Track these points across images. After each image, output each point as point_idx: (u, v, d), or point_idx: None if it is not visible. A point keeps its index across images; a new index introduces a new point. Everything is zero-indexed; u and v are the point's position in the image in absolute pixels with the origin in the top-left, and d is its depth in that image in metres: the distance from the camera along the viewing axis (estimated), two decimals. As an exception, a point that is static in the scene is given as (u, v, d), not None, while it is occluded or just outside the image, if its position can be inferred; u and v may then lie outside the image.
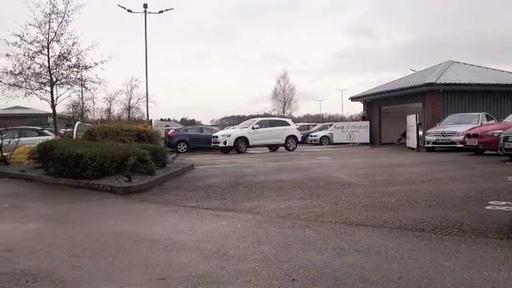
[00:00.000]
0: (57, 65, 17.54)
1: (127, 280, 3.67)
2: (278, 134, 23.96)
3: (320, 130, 35.80)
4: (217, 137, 23.64)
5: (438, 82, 23.13)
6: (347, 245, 4.58)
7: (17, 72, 16.98)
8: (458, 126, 18.63)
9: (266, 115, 64.14)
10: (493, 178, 9.39)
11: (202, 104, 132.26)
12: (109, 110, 61.33)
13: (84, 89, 20.40)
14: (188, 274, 3.73)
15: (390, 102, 27.94)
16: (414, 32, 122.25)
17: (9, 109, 36.62)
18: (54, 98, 17.76)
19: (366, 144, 28.69)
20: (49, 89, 17.59)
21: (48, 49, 17.22)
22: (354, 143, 29.57)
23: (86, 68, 18.13)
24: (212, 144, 23.81)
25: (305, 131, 37.37)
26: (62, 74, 17.72)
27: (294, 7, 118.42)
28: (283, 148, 24.26)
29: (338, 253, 4.31)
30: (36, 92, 17.64)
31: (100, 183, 8.92)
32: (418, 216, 5.77)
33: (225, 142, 22.73)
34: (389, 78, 75.63)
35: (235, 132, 23.63)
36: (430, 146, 19.15)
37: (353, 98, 32.50)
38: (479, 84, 23.49)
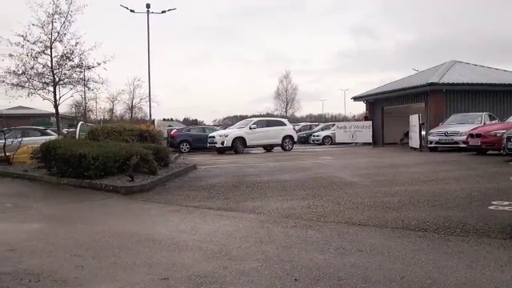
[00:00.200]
0: (60, 65, 17.52)
1: (130, 280, 3.67)
2: (274, 134, 23.71)
3: (322, 129, 35.73)
4: (214, 137, 23.15)
5: (441, 81, 23.07)
6: (350, 245, 4.58)
7: (20, 72, 16.97)
8: (461, 125, 18.58)
9: (268, 115, 64.17)
10: (496, 178, 9.37)
11: (204, 104, 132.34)
12: (111, 110, 61.56)
13: (87, 89, 20.34)
14: (190, 274, 3.74)
15: (393, 102, 27.90)
16: (416, 32, 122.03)
17: (12, 109, 36.66)
18: (57, 97, 17.73)
19: (369, 144, 28.66)
20: (52, 89, 17.57)
21: (51, 49, 17.20)
22: (356, 143, 29.53)
23: (88, 68, 18.11)
24: (208, 144, 23.36)
25: (307, 131, 37.41)
26: (64, 74, 17.70)
27: (296, 7, 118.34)
28: (279, 148, 24.01)
29: (340, 253, 4.31)
30: (39, 92, 17.63)
31: (103, 183, 8.94)
32: (420, 216, 5.76)
33: (222, 143, 22.35)
34: (391, 78, 75.59)
35: (233, 132, 23.24)
36: (432, 145, 19.11)
37: (355, 98, 32.47)
38: (482, 84, 23.42)
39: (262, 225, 5.64)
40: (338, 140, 30.83)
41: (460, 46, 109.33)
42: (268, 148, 24.14)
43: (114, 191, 8.59)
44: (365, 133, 29.46)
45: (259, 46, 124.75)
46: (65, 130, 20.89)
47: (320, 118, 77.19)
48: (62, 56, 17.49)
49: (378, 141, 28.77)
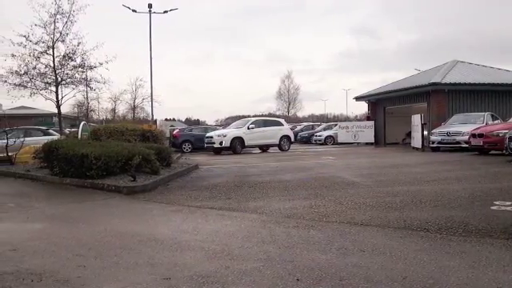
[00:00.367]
0: (62, 65, 17.57)
1: (132, 279, 3.68)
2: (272, 134, 23.47)
3: (324, 129, 35.68)
4: (211, 137, 22.84)
5: (443, 81, 23.03)
6: (352, 245, 4.58)
7: (22, 72, 17.03)
8: (463, 125, 18.57)
9: (270, 115, 64.17)
10: (498, 178, 9.36)
11: (206, 104, 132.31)
12: (114, 110, 61.64)
13: (89, 89, 20.40)
14: (192, 274, 3.74)
15: (395, 102, 27.86)
16: (418, 32, 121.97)
17: (14, 109, 36.74)
18: (59, 97, 17.79)
19: (371, 144, 28.63)
20: (54, 89, 17.62)
21: (53, 49, 17.26)
22: (358, 143, 29.51)
23: (90, 68, 18.16)
24: (205, 144, 23.17)
25: (309, 131, 37.36)
26: (67, 74, 17.76)
27: (298, 7, 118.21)
28: (275, 149, 23.77)
29: (342, 253, 4.31)
30: (41, 92, 17.69)
31: (105, 183, 8.95)
32: (422, 216, 5.76)
33: (221, 143, 22.08)
34: (393, 78, 75.65)
35: (231, 132, 22.94)
36: (434, 145, 19.09)
37: (357, 98, 32.44)
38: (484, 84, 23.37)
39: (264, 225, 5.64)
40: (340, 140, 30.80)
41: (461, 45, 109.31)
42: (264, 148, 23.88)
43: (116, 191, 8.61)
44: (367, 133, 29.44)
45: (261, 46, 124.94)
46: (67, 130, 20.91)
47: (322, 118, 77.22)
48: (64, 56, 17.54)
49: (380, 141, 28.75)
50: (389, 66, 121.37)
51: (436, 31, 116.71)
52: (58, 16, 17.15)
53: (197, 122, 77.71)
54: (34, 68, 17.19)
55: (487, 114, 19.59)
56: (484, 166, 11.66)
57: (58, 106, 18.08)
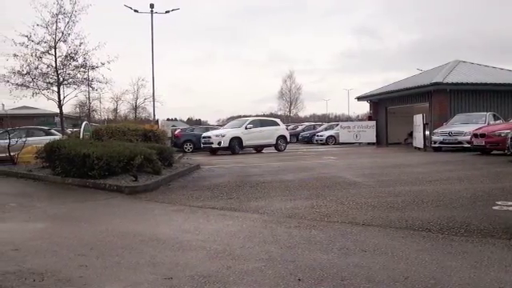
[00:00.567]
0: (64, 65, 17.62)
1: (133, 279, 3.68)
2: (269, 134, 23.20)
3: (326, 129, 35.64)
4: (209, 137, 22.40)
5: (445, 81, 23.01)
6: (353, 245, 4.57)
7: (24, 72, 17.08)
8: (465, 125, 18.54)
9: (271, 115, 64.12)
10: (500, 178, 9.34)
11: (208, 104, 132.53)
12: (115, 110, 61.69)
13: (91, 89, 20.47)
14: (194, 274, 3.74)
15: (397, 102, 27.84)
16: (419, 32, 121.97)
17: (16, 109, 36.82)
18: (61, 97, 17.86)
19: (373, 144, 28.60)
20: (56, 89, 17.67)
21: (55, 49, 17.31)
22: (360, 143, 29.48)
23: (92, 68, 18.21)
24: (202, 145, 22.76)
25: (311, 131, 37.33)
26: (68, 74, 17.80)
27: (299, 8, 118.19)
28: (270, 149, 23.51)
29: (344, 253, 4.31)
30: (43, 92, 17.74)
31: (107, 183, 8.96)
32: (424, 216, 5.75)
33: (219, 143, 21.70)
34: (394, 78, 75.32)
35: (230, 132, 22.48)
36: (436, 145, 19.07)
37: (359, 98, 32.42)
38: (486, 83, 23.35)
39: (266, 225, 5.64)
40: (341, 140, 30.77)
41: (462, 45, 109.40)
42: (258, 149, 23.52)
43: (117, 191, 8.61)
44: (368, 133, 29.40)
45: (262, 46, 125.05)
46: (69, 130, 20.92)
47: (324, 118, 77.18)
48: (66, 56, 17.59)
49: (381, 141, 28.72)
50: (390, 66, 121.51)
51: (437, 31, 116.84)
52: (59, 16, 17.22)
53: (198, 122, 77.84)
54: (36, 68, 17.25)
55: (489, 114, 19.56)
56: (486, 166, 11.64)
57: (60, 106, 18.13)
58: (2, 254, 4.45)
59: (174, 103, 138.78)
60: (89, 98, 42.32)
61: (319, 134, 34.27)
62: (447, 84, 22.92)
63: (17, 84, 17.16)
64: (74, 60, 17.73)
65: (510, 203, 6.35)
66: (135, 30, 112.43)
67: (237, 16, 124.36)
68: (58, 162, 9.95)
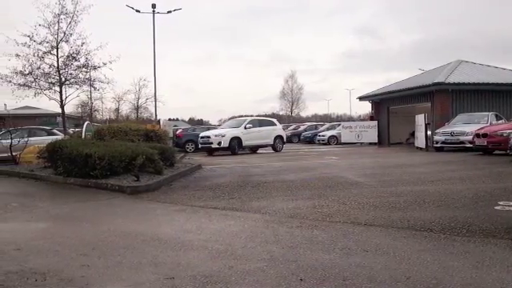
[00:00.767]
0: (66, 65, 17.62)
1: (135, 279, 3.68)
2: (267, 135, 22.84)
3: (328, 129, 35.61)
4: (209, 137, 21.84)
5: (447, 81, 22.97)
6: (355, 245, 4.57)
7: (26, 72, 17.07)
8: (467, 125, 18.51)
9: (273, 115, 64.08)
10: (502, 178, 9.33)
11: (209, 104, 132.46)
12: (117, 110, 61.77)
13: (93, 89, 20.45)
14: (196, 274, 3.74)
15: (399, 102, 27.81)
16: (421, 32, 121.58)
17: (18, 109, 36.84)
18: (63, 97, 17.83)
19: (375, 144, 28.57)
20: (58, 89, 17.67)
21: (57, 49, 17.30)
22: (362, 143, 29.45)
23: (94, 68, 18.19)
24: (201, 145, 22.25)
25: (313, 131, 37.31)
26: (70, 74, 17.79)
27: (301, 8, 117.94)
28: (267, 149, 23.23)
29: (345, 253, 4.30)
30: (45, 92, 17.73)
31: (108, 183, 8.97)
32: (426, 216, 5.75)
33: (219, 143, 21.17)
34: (396, 78, 75.59)
35: (230, 132, 21.92)
36: (438, 145, 19.04)
37: (361, 98, 32.40)
38: (488, 83, 23.30)
39: (268, 225, 5.64)
40: (343, 140, 30.75)
41: (464, 45, 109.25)
42: (254, 149, 23.04)
43: (119, 191, 8.62)
44: (370, 133, 29.37)
45: (264, 46, 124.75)
46: (71, 130, 20.94)
47: (325, 118, 77.08)
48: (68, 56, 17.58)
49: (383, 141, 28.69)
50: (392, 66, 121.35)
51: (439, 31, 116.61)
52: (61, 16, 17.21)
53: (200, 122, 77.85)
54: (38, 68, 17.24)
55: (491, 114, 19.53)
56: (488, 166, 11.63)
57: (62, 106, 18.14)
58: (4, 254, 4.46)
59: (175, 103, 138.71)
60: (91, 97, 42.35)
61: (321, 134, 34.24)
62: (449, 84, 22.87)
63: (19, 84, 17.16)
64: (75, 60, 17.73)
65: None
66: (137, 30, 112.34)
67: (239, 16, 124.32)
68: (60, 162, 9.97)
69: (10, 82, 17.08)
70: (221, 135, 21.64)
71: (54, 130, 19.09)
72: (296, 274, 3.70)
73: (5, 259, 4.27)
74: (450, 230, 5.07)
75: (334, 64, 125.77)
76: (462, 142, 18.00)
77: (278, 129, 24.26)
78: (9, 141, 13.54)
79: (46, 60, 17.36)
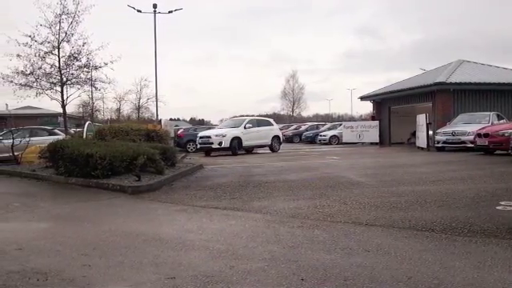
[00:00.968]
0: (67, 65, 17.60)
1: (137, 279, 3.69)
2: (265, 135, 22.59)
3: (329, 129, 35.56)
4: (209, 137, 21.38)
5: (449, 81, 22.93)
6: (356, 245, 4.57)
7: (28, 72, 17.06)
8: (469, 125, 18.49)
9: (274, 115, 64.09)
10: (503, 178, 9.32)
11: (210, 104, 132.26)
12: (118, 110, 61.87)
13: (94, 89, 20.44)
14: (197, 274, 3.75)
15: (400, 102, 27.78)
16: (422, 32, 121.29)
17: (20, 109, 36.86)
18: (65, 97, 17.80)
19: (376, 144, 28.55)
20: (59, 89, 17.64)
21: (58, 49, 17.28)
22: (363, 143, 29.42)
23: (95, 68, 18.17)
24: (200, 145, 21.79)
25: (314, 131, 37.27)
26: (72, 74, 17.77)
27: (301, 8, 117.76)
28: (262, 150, 23.05)
29: (347, 253, 4.30)
30: (47, 92, 17.70)
31: (110, 182, 8.97)
32: (427, 216, 5.74)
33: (220, 143, 20.73)
34: (397, 78, 75.49)
35: (230, 132, 21.46)
36: (440, 145, 19.02)
37: (362, 98, 32.38)
38: (490, 83, 23.25)
39: (269, 224, 5.64)
40: (344, 140, 30.72)
41: (465, 45, 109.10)
42: (249, 150, 22.52)
43: (121, 191, 8.63)
44: (372, 132, 29.35)
45: (265, 46, 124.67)
46: (72, 130, 20.95)
47: (327, 118, 77.00)
48: (69, 56, 17.57)
49: (384, 141, 28.67)
50: (392, 65, 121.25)
51: (440, 31, 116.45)
52: (63, 16, 17.18)
53: (201, 122, 77.87)
54: (40, 68, 17.23)
55: (493, 114, 19.49)
56: (489, 166, 11.61)
57: (63, 106, 18.12)
58: (5, 254, 4.47)
59: (176, 103, 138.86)
60: (92, 97, 42.48)
61: (322, 133, 34.20)
62: (450, 84, 22.84)
63: (20, 84, 17.14)
64: (77, 60, 17.71)
65: (513, 203, 6.33)
66: (138, 30, 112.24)
67: (239, 16, 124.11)
68: (62, 162, 9.98)
69: (12, 82, 17.08)
70: (222, 135, 21.24)
71: (56, 130, 19.10)
72: (297, 273, 3.70)
73: (6, 259, 4.28)
74: (452, 230, 5.06)
75: (334, 64, 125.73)
76: (464, 142, 17.98)
77: (275, 129, 24.06)
78: (10, 141, 13.55)
79: (48, 60, 17.36)
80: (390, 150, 22.23)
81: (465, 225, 5.23)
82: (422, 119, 21.62)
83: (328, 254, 4.26)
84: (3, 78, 16.98)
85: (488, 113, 19.88)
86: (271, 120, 25.74)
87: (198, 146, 22.20)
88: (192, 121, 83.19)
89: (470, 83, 23.07)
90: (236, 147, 21.12)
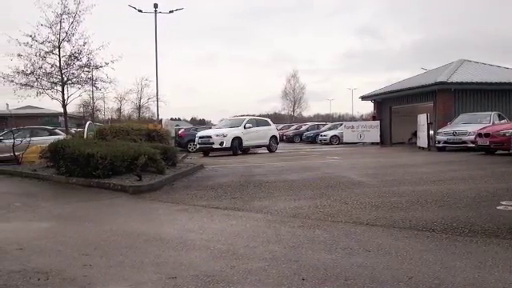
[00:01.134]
0: (68, 64, 17.61)
1: (138, 279, 3.69)
2: (264, 135, 22.52)
3: (330, 129, 35.57)
4: (209, 137, 21.14)
5: (450, 80, 22.92)
6: (357, 245, 4.57)
7: (28, 72, 17.07)
8: (470, 125, 18.47)
9: (275, 115, 64.08)
10: (504, 177, 9.31)
11: (211, 104, 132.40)
12: (119, 110, 61.92)
13: (95, 88, 20.39)
14: (198, 273, 3.75)
15: (401, 102, 27.77)
16: (422, 32, 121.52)
17: (20, 108, 36.93)
18: (65, 97, 17.82)
19: (377, 144, 28.55)
20: (60, 88, 17.66)
21: (59, 49, 17.30)
22: (364, 143, 29.41)
23: (96, 68, 18.18)
24: (200, 145, 21.61)
25: (315, 131, 37.27)
26: (72, 73, 17.79)
27: (302, 8, 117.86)
28: (260, 150, 22.96)
29: (347, 253, 4.30)
30: (47, 92, 17.72)
31: (111, 182, 8.98)
32: (428, 216, 5.74)
33: (221, 143, 20.56)
34: (397, 78, 75.46)
35: (231, 131, 21.21)
36: (440, 145, 19.01)
37: (363, 98, 32.36)
38: (491, 83, 23.24)
39: (270, 224, 5.64)
40: (345, 140, 30.72)
41: (465, 45, 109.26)
42: (246, 150, 22.21)
43: (122, 190, 8.63)
44: (372, 132, 29.36)
45: (266, 46, 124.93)
46: (73, 130, 20.98)
47: (327, 118, 77.04)
48: (70, 56, 17.58)
49: (385, 140, 28.67)
50: (393, 65, 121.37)
51: (440, 31, 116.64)
52: (64, 16, 17.19)
53: (202, 122, 77.97)
54: (40, 68, 17.24)
55: (494, 114, 19.47)
56: (490, 166, 11.60)
57: (64, 106, 18.13)
58: (6, 254, 4.47)
59: (177, 103, 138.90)
60: (93, 97, 42.55)
61: (323, 133, 34.19)
62: (452, 83, 22.82)
63: (21, 84, 17.15)
64: (77, 60, 17.72)
65: (514, 203, 6.33)
66: (139, 30, 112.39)
67: (240, 16, 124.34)
68: (63, 162, 9.98)
69: (12, 81, 17.09)
70: (222, 135, 21.01)
71: (56, 130, 19.11)
72: (298, 273, 3.70)
73: (7, 259, 4.29)
74: (452, 230, 5.06)
75: (335, 64, 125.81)
76: (465, 142, 17.96)
77: (273, 129, 23.99)
78: (11, 141, 13.57)
79: (48, 60, 17.37)
80: (391, 150, 22.22)
81: (466, 225, 5.22)
82: (422, 119, 21.62)
83: (329, 254, 4.26)
84: (4, 78, 17.01)
85: (489, 113, 19.86)
86: (269, 120, 25.57)
87: (198, 146, 22.03)
88: (193, 121, 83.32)
89: (472, 83, 23.06)
90: (237, 147, 20.99)
